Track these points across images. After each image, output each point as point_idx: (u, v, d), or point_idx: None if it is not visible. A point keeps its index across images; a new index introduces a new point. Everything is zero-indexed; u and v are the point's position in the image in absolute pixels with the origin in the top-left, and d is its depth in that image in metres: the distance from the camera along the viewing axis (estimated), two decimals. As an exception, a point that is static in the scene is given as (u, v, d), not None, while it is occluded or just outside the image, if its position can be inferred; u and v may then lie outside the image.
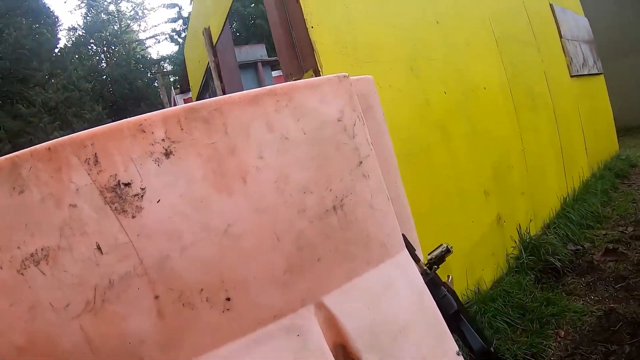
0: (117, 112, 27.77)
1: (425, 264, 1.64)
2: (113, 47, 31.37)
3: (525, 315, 2.94)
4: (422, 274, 1.48)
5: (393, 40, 3.17)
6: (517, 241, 3.74)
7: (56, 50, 25.23)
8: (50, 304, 0.89)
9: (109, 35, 31.24)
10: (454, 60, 3.64)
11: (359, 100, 1.50)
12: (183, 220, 1.02)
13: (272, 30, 3.29)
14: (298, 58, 2.97)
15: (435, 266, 1.62)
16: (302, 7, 2.81)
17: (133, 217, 0.98)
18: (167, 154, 1.03)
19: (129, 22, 33.32)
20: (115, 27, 32.22)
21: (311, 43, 2.78)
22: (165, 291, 0.98)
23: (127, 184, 0.98)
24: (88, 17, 31.79)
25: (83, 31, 31.18)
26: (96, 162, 0.96)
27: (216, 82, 5.54)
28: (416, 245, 1.67)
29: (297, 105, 1.27)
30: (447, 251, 1.72)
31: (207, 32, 5.54)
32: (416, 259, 1.50)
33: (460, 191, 3.33)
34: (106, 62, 31.03)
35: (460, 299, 3.02)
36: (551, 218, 4.31)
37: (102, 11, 32.31)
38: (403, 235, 1.47)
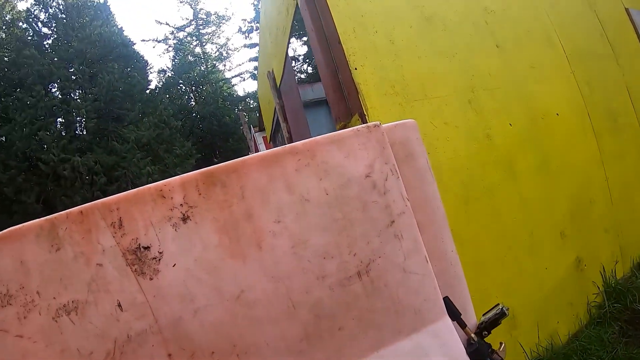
0: (206, 147, 29.42)
1: (476, 329, 1.46)
2: (201, 87, 33.35)
3: (603, 377, 2.55)
4: (467, 343, 1.34)
5: (446, 72, 2.97)
6: (600, 287, 3.29)
7: (147, 91, 27.21)
8: (78, 350, 1.00)
9: (196, 75, 33.23)
10: (519, 87, 3.35)
11: (397, 148, 1.43)
12: (197, 284, 1.08)
13: (319, 72, 3.21)
14: (346, 101, 2.84)
15: (486, 332, 1.45)
16: (345, 48, 2.70)
17: (151, 279, 1.05)
18: (185, 218, 1.09)
19: (214, 62, 35.26)
20: (202, 68, 34.21)
21: (355, 85, 2.65)
22: (177, 350, 1.04)
23: (147, 248, 1.06)
24: (176, 60, 34.00)
25: (172, 73, 33.42)
26: (121, 225, 1.06)
27: (282, 124, 5.55)
28: (466, 306, 1.52)
29: (320, 162, 1.23)
30: (502, 314, 1.50)
31: (271, 75, 5.60)
32: (462, 325, 1.36)
33: (531, 234, 3.00)
34: (195, 101, 33.03)
35: (529, 355, 2.69)
36: (643, 257, 3.78)
37: (188, 54, 34.49)
38: (446, 298, 1.34)
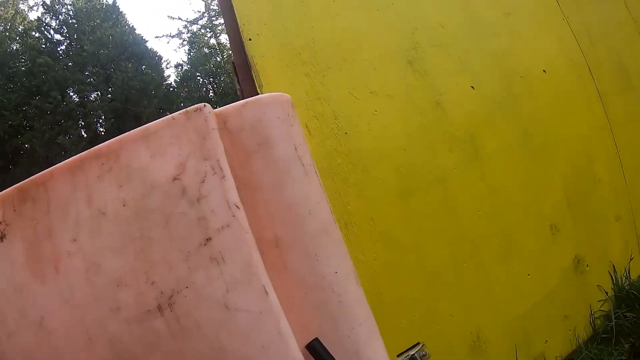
0: None
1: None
2: (219, 77, 33.63)
3: None
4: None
5: (377, 29, 2.28)
6: (608, 292, 2.54)
7: (164, 87, 27.76)
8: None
9: (213, 67, 33.37)
10: (487, 40, 2.60)
11: (246, 135, 1.14)
12: (7, 305, 1.05)
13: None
14: (253, 79, 2.21)
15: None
16: (238, 15, 2.10)
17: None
18: (2, 237, 1.06)
19: (229, 52, 35.44)
20: (218, 59, 34.35)
21: (249, 60, 2.04)
22: (-2, 374, 0.97)
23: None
24: (192, 53, 34.23)
25: (189, 66, 33.64)
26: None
27: None
28: (361, 348, 1.14)
29: (124, 165, 1.05)
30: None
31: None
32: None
33: (505, 234, 2.28)
34: (214, 92, 33.27)
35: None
36: (667, 248, 2.96)
37: (203, 46, 34.66)
38: (314, 342, 1.05)
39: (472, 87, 2.39)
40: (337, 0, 2.24)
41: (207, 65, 33.00)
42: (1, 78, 25.14)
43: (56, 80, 23.77)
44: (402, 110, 2.14)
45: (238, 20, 2.13)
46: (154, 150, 1.02)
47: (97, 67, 25.16)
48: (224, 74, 33.11)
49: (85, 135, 24.36)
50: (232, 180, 1.03)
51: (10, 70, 25.96)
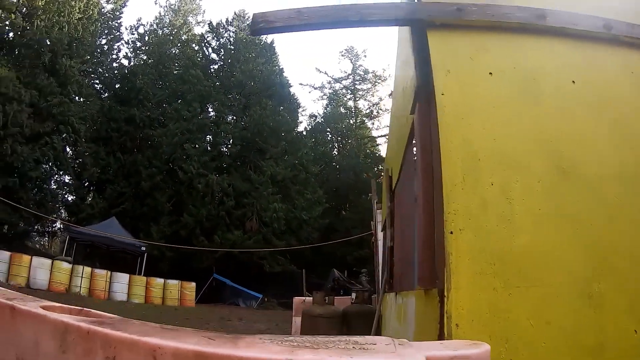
0: (339, 198, 30.65)
1: None
2: (346, 139, 35.01)
3: None
4: None
5: (568, 250, 2.38)
6: None
7: (294, 132, 29.18)
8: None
9: (344, 127, 35.13)
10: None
11: None
12: None
13: (417, 215, 2.81)
14: (434, 263, 2.43)
15: None
16: (445, 203, 2.34)
17: None
18: None
19: (364, 118, 36.91)
20: (351, 121, 36.14)
21: (445, 254, 2.26)
22: None
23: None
24: (328, 108, 36.42)
25: (322, 119, 35.78)
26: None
27: (388, 229, 5.22)
28: None
29: None
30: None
31: (388, 174, 5.34)
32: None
33: None
34: (338, 151, 34.62)
35: None
36: None
37: (341, 105, 36.77)
38: None
39: (635, 331, 2.40)
40: (542, 209, 2.41)
41: (339, 124, 34.55)
42: (154, 73, 27.85)
43: (200, 94, 25.95)
44: (568, 346, 2.23)
45: (445, 207, 2.34)
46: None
47: (240, 95, 27.09)
48: (352, 138, 34.41)
49: (209, 150, 26.26)
50: None
51: (164, 70, 28.76)
